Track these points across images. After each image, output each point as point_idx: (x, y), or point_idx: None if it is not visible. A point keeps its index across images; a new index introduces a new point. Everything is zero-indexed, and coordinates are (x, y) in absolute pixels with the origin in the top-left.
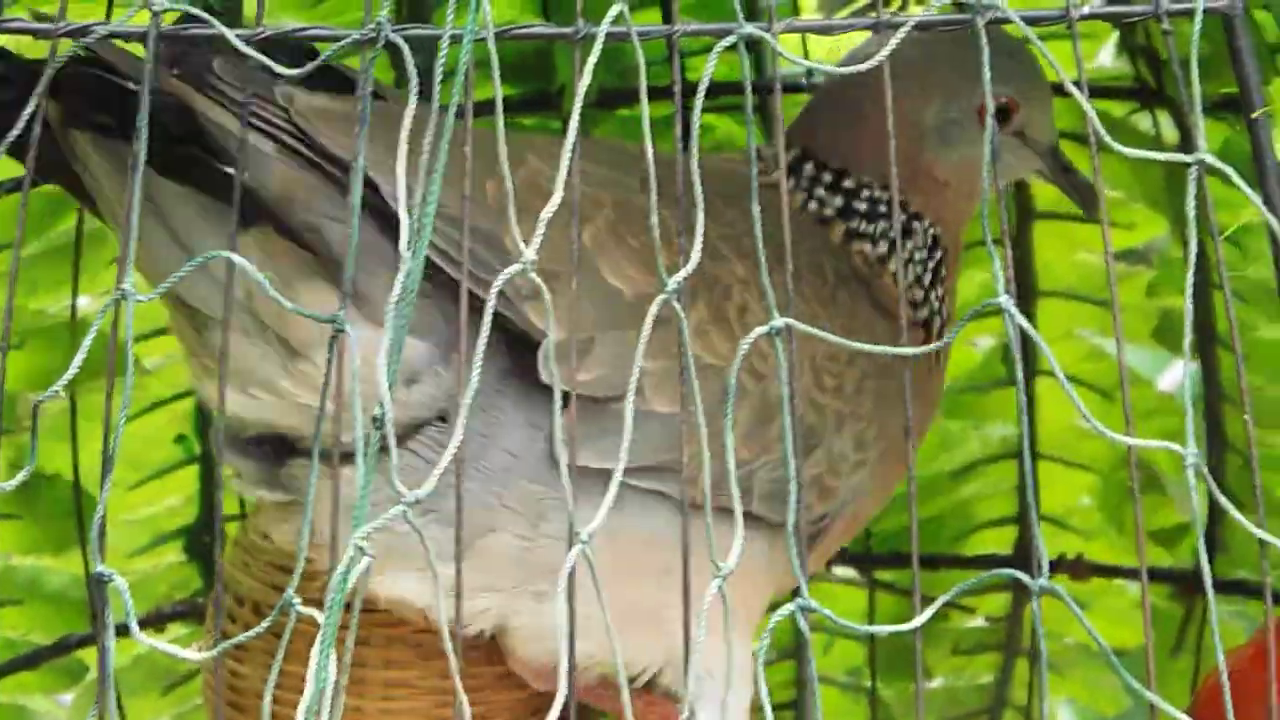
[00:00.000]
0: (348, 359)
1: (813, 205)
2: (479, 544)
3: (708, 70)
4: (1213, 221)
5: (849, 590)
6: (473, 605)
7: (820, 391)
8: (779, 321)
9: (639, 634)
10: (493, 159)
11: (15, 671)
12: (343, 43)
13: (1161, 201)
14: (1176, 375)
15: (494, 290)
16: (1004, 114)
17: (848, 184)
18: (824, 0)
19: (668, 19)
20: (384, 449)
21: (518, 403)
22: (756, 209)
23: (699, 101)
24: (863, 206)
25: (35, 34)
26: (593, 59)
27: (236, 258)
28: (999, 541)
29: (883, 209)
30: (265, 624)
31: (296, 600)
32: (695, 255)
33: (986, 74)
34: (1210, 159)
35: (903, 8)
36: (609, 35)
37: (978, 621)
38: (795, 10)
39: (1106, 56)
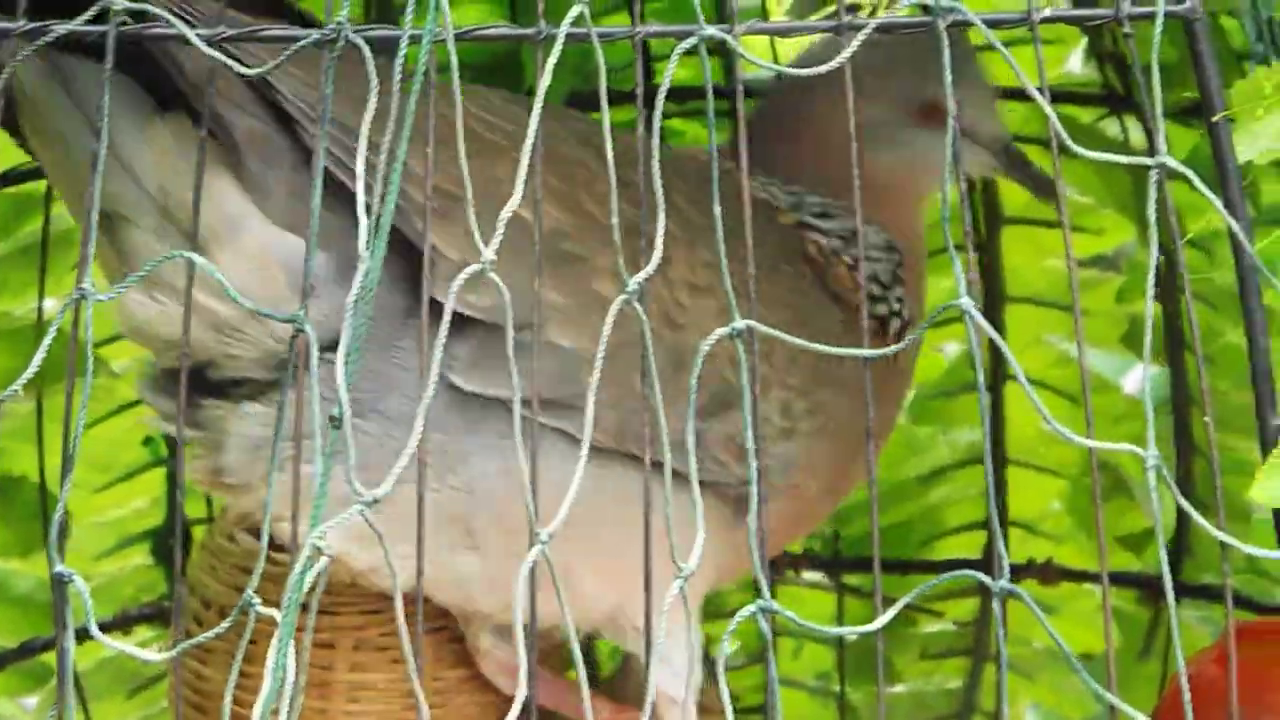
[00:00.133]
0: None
1: (764, 195)
2: (390, 496)
3: (668, 72)
4: (1175, 226)
5: (817, 594)
6: (395, 550)
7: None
8: (740, 323)
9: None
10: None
11: None
12: (302, 43)
13: (1130, 207)
14: (1140, 377)
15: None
16: (940, 113)
17: (814, 204)
18: (796, 3)
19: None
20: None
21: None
22: (716, 185)
23: (659, 103)
24: (816, 208)
25: None
26: (552, 59)
27: (197, 258)
28: (968, 546)
29: (834, 210)
30: (226, 624)
31: (256, 601)
32: (656, 256)
33: (948, 77)
34: (1171, 162)
35: (873, 13)
36: (573, 37)
37: (946, 626)
38: (765, 14)
39: (1075, 62)
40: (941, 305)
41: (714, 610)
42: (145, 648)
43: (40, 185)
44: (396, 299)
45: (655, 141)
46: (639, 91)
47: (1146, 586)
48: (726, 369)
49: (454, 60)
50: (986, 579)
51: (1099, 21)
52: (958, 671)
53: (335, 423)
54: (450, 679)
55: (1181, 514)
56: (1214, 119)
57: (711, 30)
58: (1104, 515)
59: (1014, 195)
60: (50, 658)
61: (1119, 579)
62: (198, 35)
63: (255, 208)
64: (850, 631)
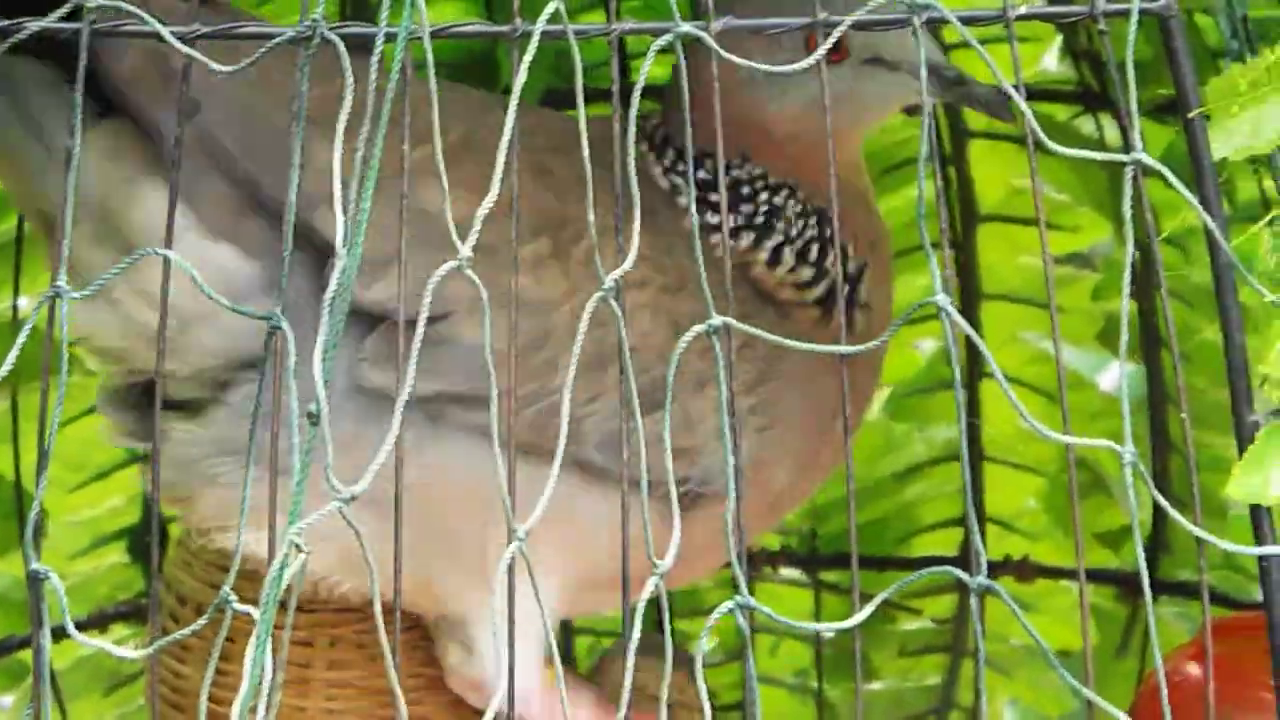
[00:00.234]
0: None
1: (681, 200)
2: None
3: (644, 69)
4: (1150, 223)
5: (795, 591)
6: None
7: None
8: (717, 320)
9: (451, 574)
10: None
11: None
12: (277, 40)
13: (1106, 205)
14: (1116, 375)
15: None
16: (836, 44)
17: (703, 174)
18: None
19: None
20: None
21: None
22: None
23: (635, 100)
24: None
25: None
26: (528, 57)
27: (173, 255)
28: (944, 543)
29: (745, 190)
30: (202, 621)
31: (233, 598)
32: (632, 254)
33: (924, 76)
34: (1147, 159)
35: None
36: (549, 34)
37: (924, 623)
38: None
39: (1050, 60)
40: (917, 302)
41: (692, 607)
42: (122, 645)
43: None
44: (303, 289)
45: (630, 142)
46: (615, 90)
47: (1124, 583)
48: (655, 366)
49: (430, 57)
50: (964, 575)
51: (1074, 19)
52: (936, 668)
53: (313, 419)
54: (428, 675)
55: (1158, 511)
56: (1189, 116)
57: (687, 27)
58: (1081, 512)
59: (990, 192)
60: (26, 656)
61: (1096, 575)
62: (171, 33)
63: (188, 217)
64: (828, 628)
